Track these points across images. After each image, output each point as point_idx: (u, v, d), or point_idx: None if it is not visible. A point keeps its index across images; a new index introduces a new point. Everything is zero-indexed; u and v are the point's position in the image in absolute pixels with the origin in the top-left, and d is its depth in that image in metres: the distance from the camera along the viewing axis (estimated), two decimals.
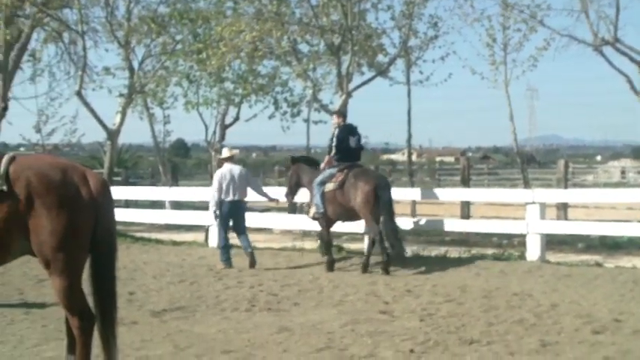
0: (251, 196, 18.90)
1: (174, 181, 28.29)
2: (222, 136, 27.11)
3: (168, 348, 10.69)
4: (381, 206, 16.76)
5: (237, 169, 18.31)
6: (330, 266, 17.43)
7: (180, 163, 58.68)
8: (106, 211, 7.87)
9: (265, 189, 19.59)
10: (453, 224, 20.77)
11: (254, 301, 14.15)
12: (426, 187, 31.23)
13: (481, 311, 12.96)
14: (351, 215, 17.56)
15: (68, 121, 30.22)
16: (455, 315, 12.70)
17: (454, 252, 19.65)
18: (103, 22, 26.01)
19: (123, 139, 27.61)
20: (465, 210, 24.10)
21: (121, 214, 16.10)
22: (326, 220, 17.92)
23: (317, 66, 23.97)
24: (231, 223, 18.43)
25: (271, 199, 19.22)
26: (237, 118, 27.57)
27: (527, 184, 26.40)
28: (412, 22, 22.99)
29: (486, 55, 24.80)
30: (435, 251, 19.83)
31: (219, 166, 18.89)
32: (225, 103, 25.98)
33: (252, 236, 18.79)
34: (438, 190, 22.55)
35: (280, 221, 23.07)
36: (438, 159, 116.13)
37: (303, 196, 19.48)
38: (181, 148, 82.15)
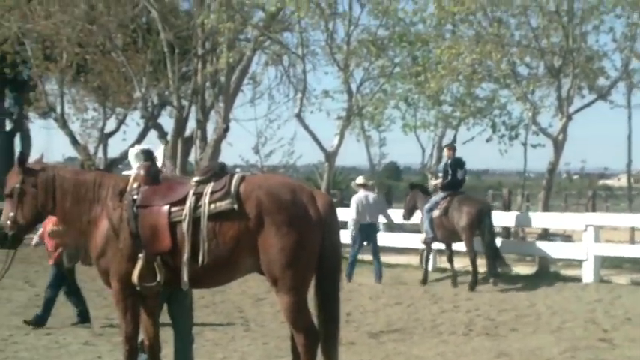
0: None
1: (388, 204, 28.37)
2: (439, 159, 27.05)
3: None
4: (483, 229, 18.50)
5: (371, 195, 19.86)
6: (424, 281, 19.14)
7: (393, 186, 58.67)
8: (333, 231, 8.01)
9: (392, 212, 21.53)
10: None
11: (471, 325, 14.10)
12: None
13: None
14: (455, 237, 19.09)
15: (286, 143, 30.74)
16: None
17: None
18: (323, 45, 26.32)
19: (337, 162, 27.79)
20: None
21: None
22: (430, 243, 19.78)
23: (536, 88, 23.56)
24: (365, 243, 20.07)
25: (393, 222, 21.59)
26: (454, 141, 27.46)
27: None
28: (634, 45, 22.30)
29: None
30: None
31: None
32: (443, 125, 25.94)
33: (466, 260, 18.85)
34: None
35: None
36: None
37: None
38: (394, 170, 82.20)
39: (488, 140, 24.32)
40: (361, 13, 24.92)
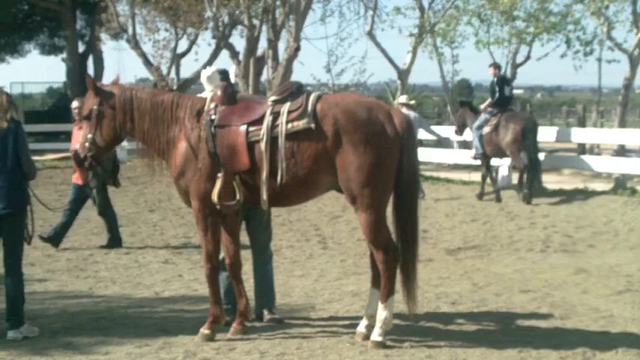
0: (544, 137, 19.85)
1: None
2: (514, 76, 26.73)
3: (466, 285, 10.80)
4: (527, 144, 18.45)
5: (412, 114, 19.05)
6: (480, 196, 19.05)
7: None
8: (410, 148, 7.97)
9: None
10: None
11: (548, 242, 14.04)
12: None
13: None
14: (503, 152, 19.20)
15: (357, 61, 30.52)
16: None
17: None
18: None
19: (409, 79, 27.54)
20: None
21: None
22: (484, 158, 19.57)
23: (610, 3, 23.02)
24: None
25: (439, 137, 21.99)
26: (528, 57, 27.13)
27: None
28: None
29: None
30: None
31: None
32: (517, 41, 25.58)
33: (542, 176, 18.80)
34: None
35: (570, 162, 22.45)
36: None
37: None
38: (465, 87, 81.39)
39: (562, 56, 24.00)
40: None
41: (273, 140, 7.79)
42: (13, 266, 8.59)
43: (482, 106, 20.50)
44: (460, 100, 23.05)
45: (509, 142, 18.64)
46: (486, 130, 19.24)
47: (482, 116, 19.61)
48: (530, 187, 18.35)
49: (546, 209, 17.14)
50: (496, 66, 20.99)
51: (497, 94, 19.55)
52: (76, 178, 13.82)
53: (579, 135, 21.90)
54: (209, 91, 8.53)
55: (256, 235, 9.15)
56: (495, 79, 19.95)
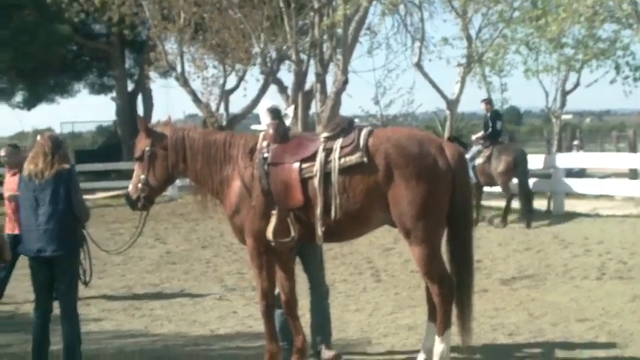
0: (593, 162, 19.64)
1: None
2: (563, 103, 26.61)
3: (523, 316, 10.72)
4: (518, 173, 19.89)
5: None
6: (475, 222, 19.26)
7: (515, 130, 57.98)
8: (462, 181, 7.95)
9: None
10: None
11: (603, 269, 13.86)
12: None
13: None
14: (494, 182, 20.46)
15: (405, 92, 30.57)
16: None
17: None
18: None
19: (458, 108, 27.50)
20: None
21: None
22: (477, 188, 20.26)
23: None
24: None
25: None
26: (577, 84, 26.99)
27: None
28: None
29: None
30: None
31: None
32: (566, 69, 25.49)
33: (593, 203, 18.72)
34: None
35: (622, 187, 22.29)
36: None
37: None
38: (514, 115, 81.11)
39: (612, 82, 23.78)
40: None
41: (326, 176, 7.80)
42: (69, 308, 8.65)
43: (473, 138, 21.82)
44: (449, 137, 23.54)
45: (501, 172, 20.02)
46: (479, 161, 20.60)
47: (475, 148, 20.97)
48: (526, 213, 19.56)
49: (600, 236, 16.99)
50: (488, 101, 22.23)
51: (490, 129, 20.89)
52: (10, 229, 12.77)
53: (563, 160, 22.12)
54: (265, 123, 8.62)
55: (312, 271, 9.14)
56: (488, 114, 21.25)
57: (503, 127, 22.14)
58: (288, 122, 9.01)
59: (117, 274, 15.05)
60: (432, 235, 7.78)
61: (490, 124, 20.92)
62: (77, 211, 8.56)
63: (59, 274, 8.61)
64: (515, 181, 20.03)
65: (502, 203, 20.42)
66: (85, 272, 8.91)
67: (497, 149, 20.42)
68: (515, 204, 20.17)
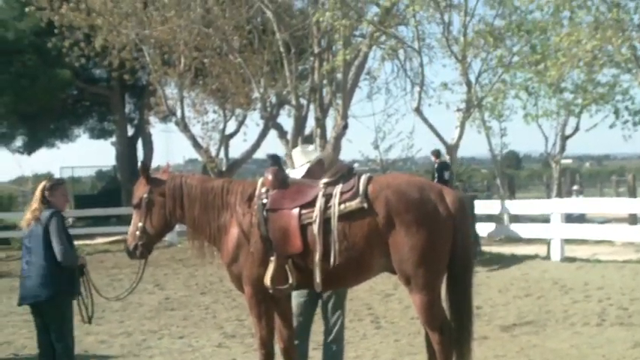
0: (592, 208, 19.52)
1: (511, 194, 28.08)
2: (562, 147, 26.62)
3: None
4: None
5: None
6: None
7: (514, 174, 58.11)
8: (463, 227, 7.93)
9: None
10: None
11: (604, 316, 13.80)
12: None
13: None
14: None
15: (405, 137, 30.56)
16: None
17: None
18: (439, 37, 26.17)
19: (457, 153, 27.50)
20: None
21: None
22: None
23: None
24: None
25: None
26: (577, 129, 27.01)
27: None
28: None
29: None
30: None
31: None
32: (565, 113, 25.52)
33: (593, 248, 18.65)
34: None
35: (621, 233, 22.29)
36: None
37: None
38: (513, 159, 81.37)
39: (611, 126, 23.80)
40: (477, 3, 24.81)
41: (325, 222, 7.77)
42: (63, 352, 8.65)
43: None
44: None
45: None
46: None
47: None
48: (476, 254, 19.89)
49: (600, 281, 16.96)
50: (437, 154, 24.19)
51: (436, 179, 22.35)
52: None
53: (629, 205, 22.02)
54: (299, 167, 8.77)
55: (330, 323, 9.19)
56: (436, 165, 23.02)
57: (451, 176, 23.64)
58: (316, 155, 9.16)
59: (115, 321, 14.96)
60: (433, 283, 7.74)
61: (436, 175, 22.48)
62: (57, 256, 8.53)
63: (48, 319, 8.73)
64: None
65: None
66: (87, 309, 8.93)
67: None
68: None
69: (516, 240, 24.17)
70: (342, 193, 7.81)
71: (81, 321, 9.04)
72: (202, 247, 8.66)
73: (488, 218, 26.95)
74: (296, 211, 7.90)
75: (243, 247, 8.07)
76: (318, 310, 9.34)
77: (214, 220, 8.33)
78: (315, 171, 8.68)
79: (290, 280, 7.89)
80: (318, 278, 7.79)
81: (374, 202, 7.72)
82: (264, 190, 8.14)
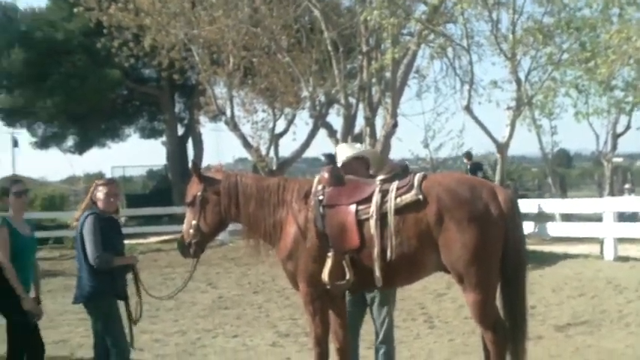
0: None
1: (563, 193, 27.87)
2: (614, 145, 26.38)
3: None
4: None
5: None
6: None
7: (565, 173, 57.64)
8: (515, 225, 7.88)
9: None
10: None
11: None
12: None
13: None
14: None
15: (455, 135, 30.42)
16: None
17: None
18: (488, 35, 25.97)
19: (508, 151, 27.31)
20: None
21: None
22: None
23: None
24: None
25: None
26: (628, 127, 26.75)
27: None
28: None
29: None
30: None
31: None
32: (616, 111, 25.27)
33: None
34: None
35: None
36: None
37: None
38: (564, 158, 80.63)
39: None
40: (525, 0, 24.50)
41: (382, 218, 7.78)
42: (112, 350, 8.69)
43: None
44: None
45: None
46: None
47: None
48: None
49: None
50: (469, 156, 24.86)
51: None
52: None
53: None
54: (341, 160, 8.78)
55: (380, 323, 9.20)
56: (469, 167, 23.23)
57: (484, 176, 23.68)
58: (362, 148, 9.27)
59: (170, 319, 15.08)
60: (486, 281, 7.70)
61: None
62: (90, 260, 8.58)
63: (92, 319, 8.82)
64: None
65: None
66: (135, 311, 8.99)
67: None
68: None
69: (568, 239, 23.96)
70: (398, 189, 7.83)
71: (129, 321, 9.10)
72: (257, 245, 8.69)
73: (540, 217, 26.76)
74: (353, 207, 7.91)
75: (299, 244, 8.08)
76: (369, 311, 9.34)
77: (270, 216, 8.36)
78: (355, 167, 8.66)
79: (347, 276, 7.89)
80: (377, 272, 7.78)
81: (427, 197, 7.73)
82: (320, 187, 8.16)
